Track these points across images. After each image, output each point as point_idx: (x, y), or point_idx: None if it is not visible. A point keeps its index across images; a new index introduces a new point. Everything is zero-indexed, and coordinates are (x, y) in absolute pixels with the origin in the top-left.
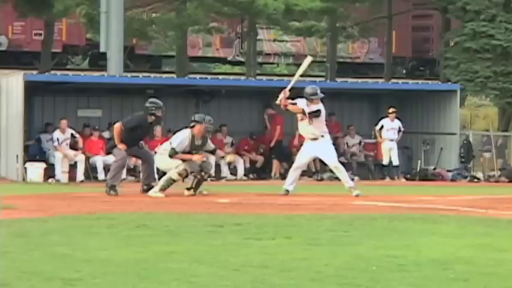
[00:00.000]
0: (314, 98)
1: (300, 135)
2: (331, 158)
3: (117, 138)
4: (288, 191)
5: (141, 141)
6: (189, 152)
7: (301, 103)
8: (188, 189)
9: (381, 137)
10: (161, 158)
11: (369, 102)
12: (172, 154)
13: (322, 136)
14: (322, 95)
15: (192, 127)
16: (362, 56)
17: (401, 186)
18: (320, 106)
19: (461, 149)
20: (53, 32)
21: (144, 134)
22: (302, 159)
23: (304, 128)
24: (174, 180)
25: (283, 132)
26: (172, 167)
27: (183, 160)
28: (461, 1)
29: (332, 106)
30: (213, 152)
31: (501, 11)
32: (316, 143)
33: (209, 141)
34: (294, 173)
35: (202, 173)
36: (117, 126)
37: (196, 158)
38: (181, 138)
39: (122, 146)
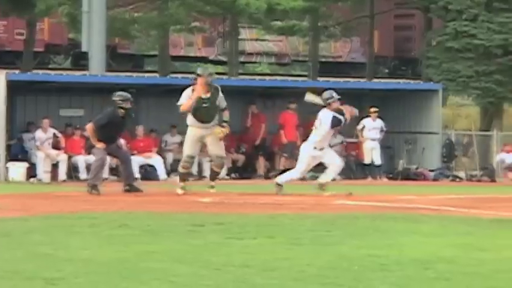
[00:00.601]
0: (331, 101)
1: (285, 134)
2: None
3: (93, 138)
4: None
5: (120, 140)
6: (198, 108)
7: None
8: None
9: (362, 136)
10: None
11: (351, 101)
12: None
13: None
14: (338, 97)
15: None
16: (344, 55)
17: (384, 186)
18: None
19: (443, 149)
20: (35, 32)
21: (119, 129)
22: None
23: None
24: (183, 174)
25: (266, 130)
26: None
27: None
28: (443, 0)
29: (314, 106)
30: (223, 110)
31: (483, 11)
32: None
33: (221, 96)
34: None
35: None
36: (89, 126)
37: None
38: (183, 95)
39: (100, 145)
